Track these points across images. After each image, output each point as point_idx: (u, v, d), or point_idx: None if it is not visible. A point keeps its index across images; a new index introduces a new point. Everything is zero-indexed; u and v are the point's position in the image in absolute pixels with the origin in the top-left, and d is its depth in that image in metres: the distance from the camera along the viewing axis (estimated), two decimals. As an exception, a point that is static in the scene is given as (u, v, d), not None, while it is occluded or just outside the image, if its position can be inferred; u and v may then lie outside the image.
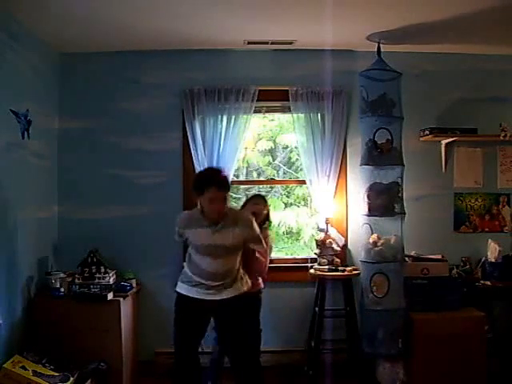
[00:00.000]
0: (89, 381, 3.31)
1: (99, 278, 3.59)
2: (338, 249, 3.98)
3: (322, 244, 3.98)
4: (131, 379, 3.73)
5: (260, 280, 3.36)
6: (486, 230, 4.25)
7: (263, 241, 3.11)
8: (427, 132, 4.06)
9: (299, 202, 4.66)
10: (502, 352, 3.77)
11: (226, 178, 2.94)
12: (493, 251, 4.02)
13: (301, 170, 4.34)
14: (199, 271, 2.96)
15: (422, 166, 4.14)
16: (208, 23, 3.54)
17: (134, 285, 3.90)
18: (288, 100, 4.06)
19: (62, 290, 3.55)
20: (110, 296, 3.50)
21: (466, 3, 3.16)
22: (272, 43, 3.98)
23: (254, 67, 4.13)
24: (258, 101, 4.04)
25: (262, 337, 3.44)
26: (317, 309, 3.88)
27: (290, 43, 3.98)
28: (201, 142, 4.03)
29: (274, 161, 4.73)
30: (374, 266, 3.69)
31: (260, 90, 4.03)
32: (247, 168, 4.70)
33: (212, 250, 2.91)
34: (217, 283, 2.94)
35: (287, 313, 4.10)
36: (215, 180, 2.86)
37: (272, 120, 4.68)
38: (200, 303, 2.98)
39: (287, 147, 4.68)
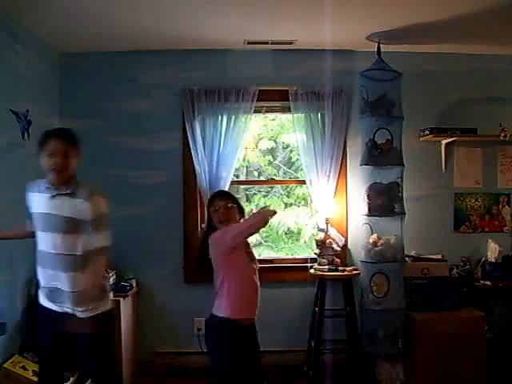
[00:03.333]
0: (89, 381, 3.31)
1: (99, 278, 3.58)
2: (338, 249, 3.98)
3: (322, 244, 3.97)
4: (131, 379, 3.73)
5: None
6: (486, 230, 4.25)
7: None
8: (427, 132, 4.06)
9: (299, 202, 4.65)
10: (502, 352, 3.77)
11: None
12: (493, 251, 4.02)
13: (301, 169, 4.33)
14: None
15: (422, 166, 4.14)
16: (208, 23, 3.54)
17: (134, 285, 3.89)
18: (288, 100, 4.05)
19: (62, 289, 3.55)
20: (110, 296, 3.49)
21: (466, 3, 3.15)
22: (272, 43, 3.97)
23: (254, 67, 4.13)
24: (258, 101, 4.04)
25: None
26: (317, 309, 3.87)
27: (290, 43, 3.98)
28: (201, 142, 4.03)
29: (274, 160, 4.72)
30: (374, 266, 3.70)
31: (260, 90, 4.03)
32: (247, 168, 4.69)
33: None
34: None
35: (287, 313, 4.10)
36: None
37: (273, 120, 4.67)
38: None
39: (288, 147, 4.68)
